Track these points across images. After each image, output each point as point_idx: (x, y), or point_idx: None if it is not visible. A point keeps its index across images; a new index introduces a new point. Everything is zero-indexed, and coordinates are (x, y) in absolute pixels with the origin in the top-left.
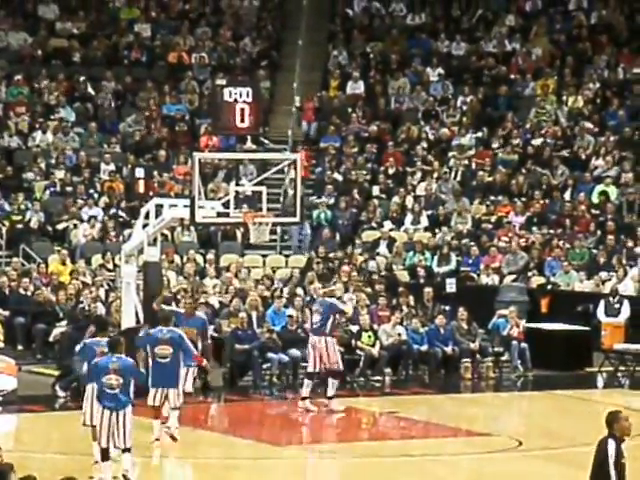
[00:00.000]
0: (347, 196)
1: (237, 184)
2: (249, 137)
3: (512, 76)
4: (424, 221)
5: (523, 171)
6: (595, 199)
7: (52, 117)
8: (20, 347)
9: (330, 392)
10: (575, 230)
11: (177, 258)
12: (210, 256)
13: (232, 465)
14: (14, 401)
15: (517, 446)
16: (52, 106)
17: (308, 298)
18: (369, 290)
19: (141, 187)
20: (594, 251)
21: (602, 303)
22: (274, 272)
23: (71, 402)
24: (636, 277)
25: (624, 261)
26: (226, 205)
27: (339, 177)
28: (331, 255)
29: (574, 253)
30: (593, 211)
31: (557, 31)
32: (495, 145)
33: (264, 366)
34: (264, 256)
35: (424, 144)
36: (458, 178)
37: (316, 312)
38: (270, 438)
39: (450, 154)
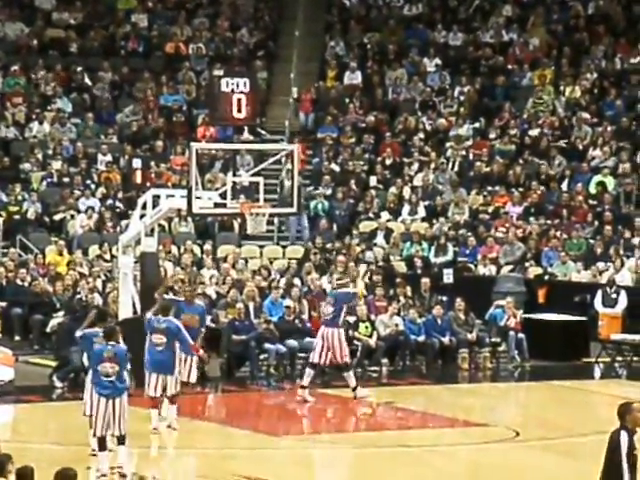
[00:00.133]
0: (344, 187)
1: (234, 175)
2: (246, 128)
3: (509, 66)
4: (421, 212)
5: (520, 161)
6: (592, 189)
7: (49, 108)
8: (17, 338)
9: (352, 383)
10: (572, 220)
11: (174, 249)
12: (207, 247)
13: (229, 455)
14: (11, 392)
15: (514, 436)
16: (49, 97)
17: (305, 289)
18: (367, 281)
19: (138, 178)
20: (591, 241)
21: (599, 293)
22: (271, 263)
23: (68, 393)
24: (633, 267)
25: (621, 251)
26: (223, 196)
27: (336, 168)
28: (328, 246)
29: (571, 243)
30: (590, 201)
31: (554, 21)
32: (492, 135)
33: (261, 357)
34: (261, 247)
35: (421, 135)
36: (455, 168)
37: (328, 303)
38: (267, 428)
39: (447, 144)
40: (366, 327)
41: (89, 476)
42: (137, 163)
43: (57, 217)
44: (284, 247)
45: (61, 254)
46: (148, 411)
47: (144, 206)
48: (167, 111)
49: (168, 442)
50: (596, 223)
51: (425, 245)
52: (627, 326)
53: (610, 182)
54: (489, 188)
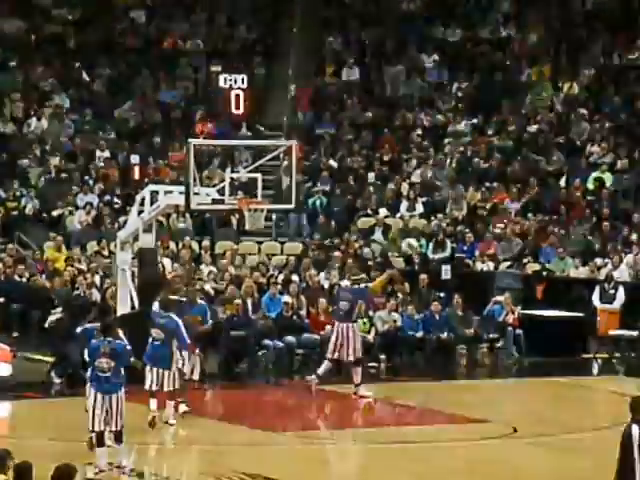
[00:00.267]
0: (342, 183)
1: (232, 171)
2: (244, 124)
3: (507, 62)
4: (419, 208)
5: (518, 158)
6: (590, 185)
7: (47, 104)
8: (15, 333)
9: (357, 379)
10: (570, 217)
11: (172, 245)
12: (205, 243)
13: (228, 451)
14: (9, 387)
15: (512, 432)
16: (47, 92)
17: (304, 285)
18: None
19: (136, 174)
20: (589, 237)
21: (597, 289)
22: (269, 259)
23: (66, 388)
24: (631, 263)
25: (619, 247)
26: (221, 192)
27: (334, 164)
28: (326, 242)
29: (569, 240)
30: (588, 198)
31: (552, 17)
32: (490, 132)
33: (259, 352)
34: (259, 243)
35: (419, 131)
36: (453, 165)
37: (343, 299)
38: (265, 424)
39: (445, 141)
40: (364, 323)
41: (87, 472)
42: (135, 159)
43: (55, 213)
44: (282, 243)
45: (59, 250)
46: (146, 407)
47: (142, 202)
48: (165, 107)
49: (166, 438)
50: (594, 219)
51: (423, 241)
52: (625, 322)
53: (608, 178)
54: (487, 184)
